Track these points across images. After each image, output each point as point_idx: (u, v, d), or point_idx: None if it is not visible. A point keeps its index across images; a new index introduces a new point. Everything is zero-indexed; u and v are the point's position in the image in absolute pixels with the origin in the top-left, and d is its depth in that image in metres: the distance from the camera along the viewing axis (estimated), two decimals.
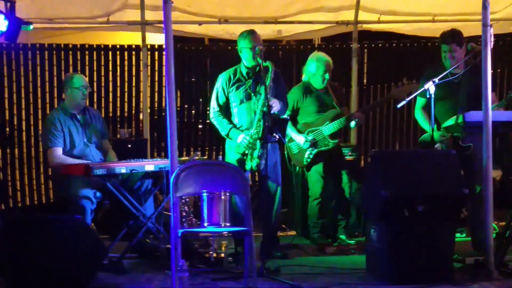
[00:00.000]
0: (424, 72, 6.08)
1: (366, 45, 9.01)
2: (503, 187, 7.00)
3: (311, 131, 6.49)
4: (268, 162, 5.77)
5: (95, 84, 8.35)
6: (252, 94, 5.93)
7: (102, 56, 8.49)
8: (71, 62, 8.33)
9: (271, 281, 5.14)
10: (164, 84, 8.25)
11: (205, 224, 4.85)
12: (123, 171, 5.65)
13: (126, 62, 8.53)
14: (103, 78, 8.48)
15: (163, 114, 8.17)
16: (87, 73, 8.23)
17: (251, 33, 5.93)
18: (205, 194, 4.86)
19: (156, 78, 8.60)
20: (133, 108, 8.62)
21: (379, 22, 8.23)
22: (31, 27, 6.13)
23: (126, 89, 8.57)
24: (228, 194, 4.91)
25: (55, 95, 8.23)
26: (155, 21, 7.86)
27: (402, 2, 7.99)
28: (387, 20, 8.22)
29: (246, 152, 5.87)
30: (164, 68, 7.90)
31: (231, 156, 6.03)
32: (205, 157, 7.96)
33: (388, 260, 5.08)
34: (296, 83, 7.04)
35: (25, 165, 8.25)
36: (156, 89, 8.62)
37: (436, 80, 5.63)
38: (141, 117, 8.46)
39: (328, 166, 6.53)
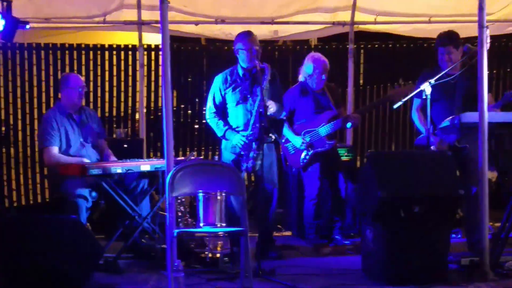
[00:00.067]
0: (420, 73, 6.09)
1: (362, 46, 9.04)
2: (499, 188, 7.01)
3: (307, 132, 6.50)
4: (264, 162, 5.77)
5: (91, 83, 8.36)
6: (249, 95, 5.93)
7: (99, 56, 8.49)
8: (67, 62, 8.34)
9: (267, 281, 5.15)
10: (160, 84, 8.24)
11: (201, 224, 4.85)
12: (119, 171, 5.65)
13: (122, 62, 8.54)
14: (99, 77, 8.49)
15: (159, 114, 8.18)
16: (83, 73, 8.24)
17: (248, 34, 5.93)
18: (201, 194, 4.85)
19: (153, 78, 8.61)
20: (129, 108, 8.62)
21: (375, 23, 8.23)
22: (28, 26, 6.12)
23: (122, 89, 8.58)
24: (224, 194, 4.91)
25: (51, 95, 8.24)
26: (152, 21, 7.85)
27: (398, 3, 8.00)
28: (384, 21, 8.22)
29: (242, 153, 5.87)
30: (160, 68, 7.89)
31: (227, 156, 6.03)
32: (201, 157, 7.96)
33: (384, 260, 5.09)
34: (293, 84, 7.04)
35: (21, 164, 8.24)
36: (153, 89, 8.63)
37: (432, 81, 5.64)
38: (137, 117, 8.46)
39: (324, 167, 6.53)
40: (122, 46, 8.56)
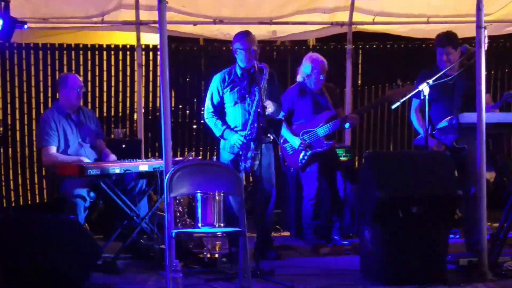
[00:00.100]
0: (418, 73, 6.09)
1: (360, 46, 9.03)
2: (497, 188, 7.01)
3: (305, 133, 6.50)
4: (262, 162, 5.77)
5: (89, 84, 8.35)
6: (247, 95, 5.93)
7: (97, 56, 8.48)
8: (65, 62, 8.33)
9: (265, 282, 5.14)
10: (158, 84, 8.24)
11: (199, 225, 4.85)
12: (117, 171, 5.65)
13: (120, 62, 8.53)
14: (97, 78, 8.48)
15: (158, 114, 8.16)
16: (81, 73, 8.23)
17: (246, 34, 5.92)
18: (199, 195, 4.85)
19: (151, 78, 8.60)
20: (128, 108, 8.62)
21: (373, 23, 8.23)
22: (26, 26, 6.11)
23: (120, 89, 8.57)
24: (222, 194, 4.90)
25: (50, 95, 8.22)
26: (150, 21, 7.84)
27: (396, 3, 8.00)
28: (382, 21, 8.22)
29: (240, 153, 5.87)
30: (158, 68, 7.87)
31: (225, 156, 6.03)
32: (200, 157, 7.96)
33: (382, 261, 5.08)
34: (291, 84, 7.04)
35: (19, 164, 8.23)
36: (151, 89, 8.63)
37: (430, 81, 5.64)
38: (135, 117, 8.45)
39: (322, 167, 6.53)
40: (120, 46, 8.55)
